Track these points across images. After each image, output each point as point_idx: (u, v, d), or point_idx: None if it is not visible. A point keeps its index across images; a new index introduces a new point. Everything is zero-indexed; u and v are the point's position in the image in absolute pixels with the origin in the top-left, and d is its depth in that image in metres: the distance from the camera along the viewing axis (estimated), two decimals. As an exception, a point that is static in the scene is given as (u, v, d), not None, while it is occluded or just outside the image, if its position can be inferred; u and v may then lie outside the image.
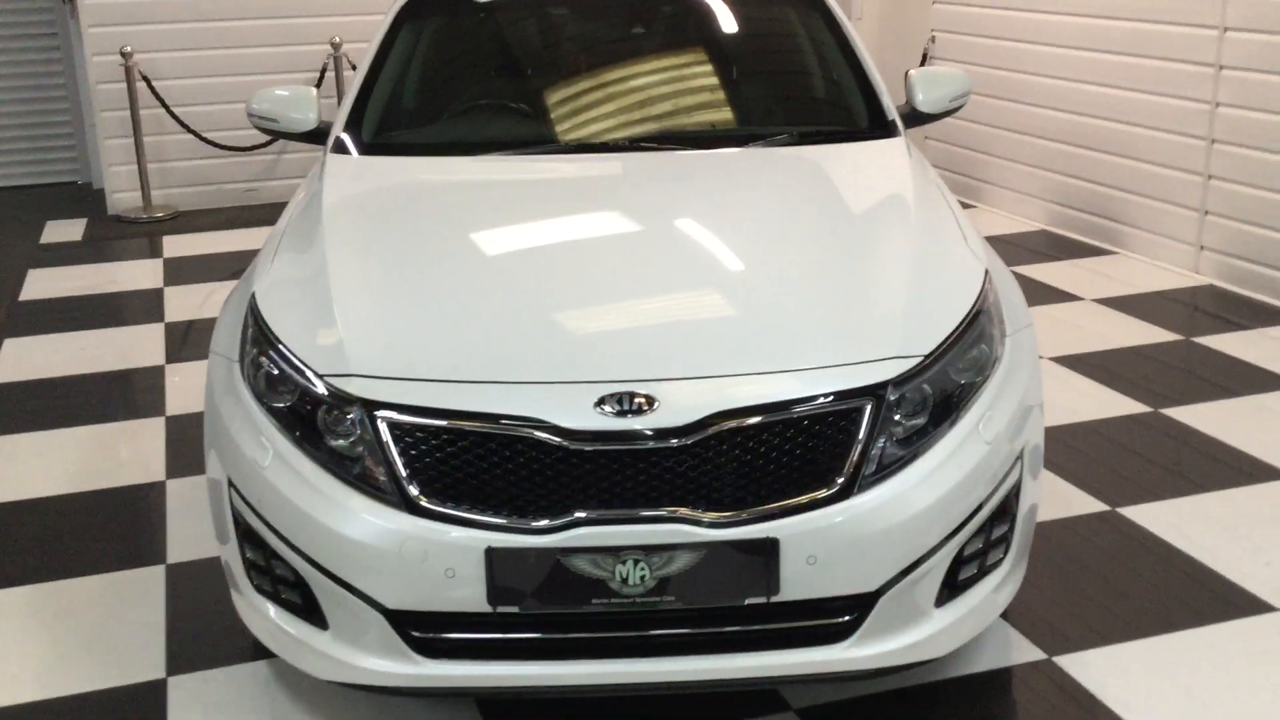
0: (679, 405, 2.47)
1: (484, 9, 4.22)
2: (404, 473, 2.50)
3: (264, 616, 2.75)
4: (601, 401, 2.47)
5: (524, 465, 2.46)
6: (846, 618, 2.53)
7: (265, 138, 7.71)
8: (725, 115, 3.90)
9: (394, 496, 2.50)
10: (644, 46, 4.06)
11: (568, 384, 2.51)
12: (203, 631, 3.22)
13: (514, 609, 2.47)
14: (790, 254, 2.95)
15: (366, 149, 3.68)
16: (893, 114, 3.77)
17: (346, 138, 3.71)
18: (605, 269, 2.92)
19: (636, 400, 2.47)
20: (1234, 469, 3.97)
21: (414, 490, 2.49)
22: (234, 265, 6.68)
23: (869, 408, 2.52)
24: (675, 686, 2.53)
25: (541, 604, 2.46)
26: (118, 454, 4.33)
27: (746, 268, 2.90)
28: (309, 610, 2.66)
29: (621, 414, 2.45)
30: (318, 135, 3.88)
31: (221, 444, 2.80)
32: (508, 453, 2.47)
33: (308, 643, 2.65)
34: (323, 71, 7.95)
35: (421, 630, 2.53)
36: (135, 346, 5.44)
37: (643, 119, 3.78)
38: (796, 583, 2.46)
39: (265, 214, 7.75)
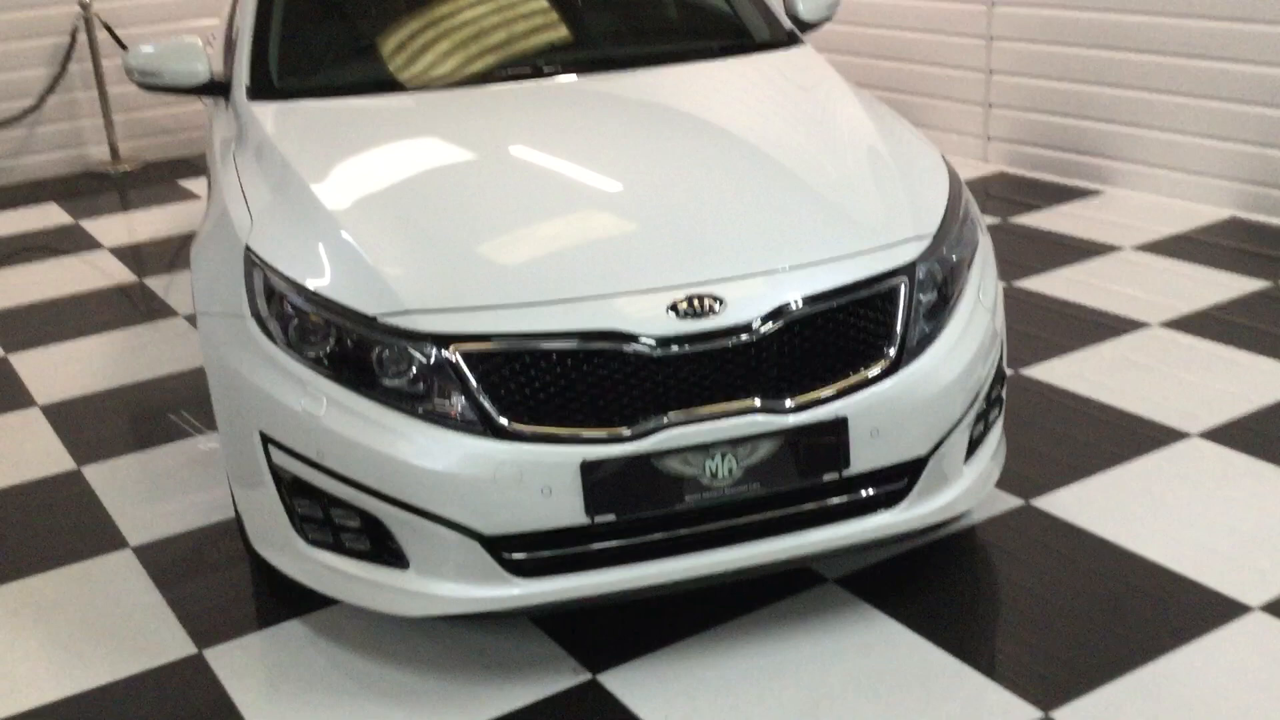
0: (746, 301, 2.59)
1: None
2: (487, 400, 2.52)
3: (326, 567, 2.71)
4: (674, 306, 2.56)
5: (607, 376, 2.53)
6: (902, 482, 2.74)
7: None
8: (646, 35, 3.99)
9: (479, 425, 2.52)
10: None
11: (639, 293, 2.58)
12: (213, 604, 3.11)
13: (611, 517, 2.55)
14: (789, 153, 3.09)
15: (283, 94, 3.55)
16: (789, 24, 3.95)
17: (259, 85, 3.57)
18: (628, 180, 2.96)
19: (707, 301, 2.57)
20: (1100, 325, 4.42)
21: (499, 415, 2.51)
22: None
23: (903, 285, 2.72)
24: (760, 569, 2.68)
25: (638, 508, 2.55)
26: (3, 452, 4.04)
27: (758, 168, 3.02)
28: (379, 552, 2.65)
29: (694, 315, 2.56)
30: (209, 88, 3.72)
31: (248, 402, 2.73)
32: (588, 366, 2.53)
33: (388, 583, 2.64)
34: (74, 35, 7.43)
35: (517, 551, 2.57)
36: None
37: (564, 44, 3.82)
38: (863, 455, 2.65)
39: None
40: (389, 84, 3.61)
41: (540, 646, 2.86)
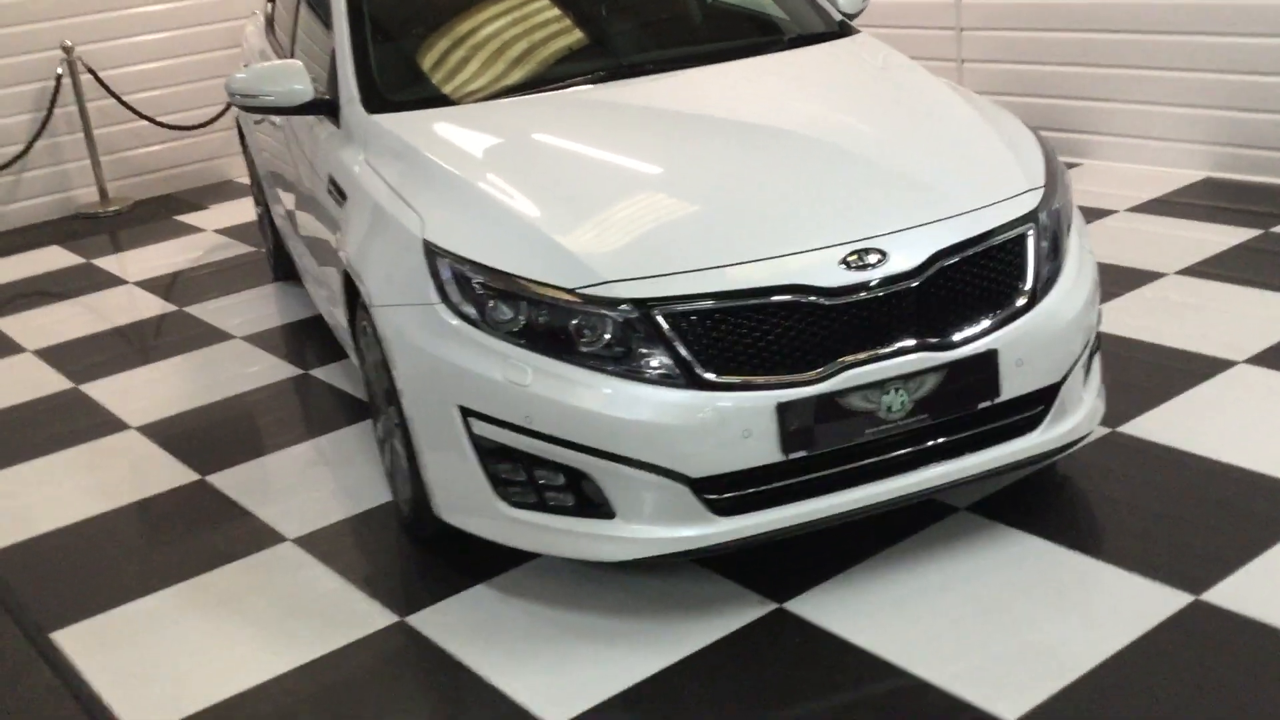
0: (904, 252, 2.90)
1: None
2: (687, 355, 2.79)
3: (531, 525, 2.95)
4: (844, 260, 2.86)
5: (792, 326, 2.82)
6: (1039, 409, 3.06)
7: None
8: (725, 32, 4.30)
9: (681, 378, 2.79)
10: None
11: (813, 250, 2.87)
12: (394, 579, 3.32)
13: (803, 453, 2.83)
14: (909, 121, 3.43)
15: (395, 106, 3.76)
16: (840, 16, 4.28)
17: (370, 99, 3.78)
18: (775, 151, 3.26)
19: (873, 255, 2.87)
20: (1120, 278, 4.81)
21: (700, 368, 2.78)
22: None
23: (1031, 231, 3.05)
24: (926, 492, 2.98)
25: (825, 443, 2.84)
26: (121, 470, 4.19)
27: (887, 135, 3.35)
28: (583, 506, 2.90)
29: (863, 267, 2.86)
30: (311, 106, 3.91)
31: (445, 381, 2.96)
32: (776, 319, 2.82)
33: (597, 533, 2.89)
34: (58, 79, 7.50)
35: (719, 491, 2.84)
36: (21, 379, 5.14)
37: (652, 42, 4.11)
38: (1011, 383, 2.97)
39: None
40: (503, 88, 3.81)
41: (719, 586, 3.12)
